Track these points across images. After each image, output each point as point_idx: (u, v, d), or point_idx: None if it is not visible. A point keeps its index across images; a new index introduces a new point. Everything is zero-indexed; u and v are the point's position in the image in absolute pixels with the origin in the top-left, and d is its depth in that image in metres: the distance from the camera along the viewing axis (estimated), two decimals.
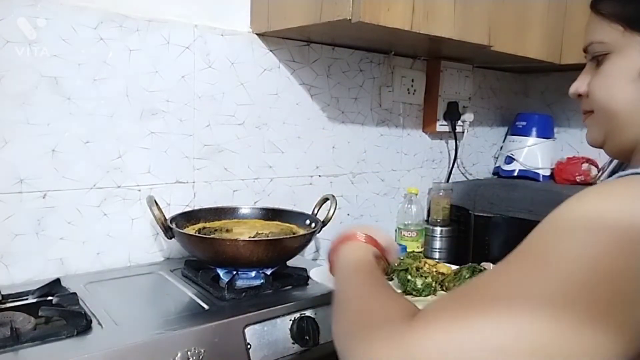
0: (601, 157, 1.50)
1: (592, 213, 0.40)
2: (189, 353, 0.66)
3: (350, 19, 0.86)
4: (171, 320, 0.72)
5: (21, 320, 0.69)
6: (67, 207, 0.90)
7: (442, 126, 1.50)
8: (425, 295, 0.83)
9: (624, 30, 0.53)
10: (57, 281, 0.81)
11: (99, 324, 0.70)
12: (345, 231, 0.66)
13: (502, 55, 1.24)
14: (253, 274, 0.89)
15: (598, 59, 0.57)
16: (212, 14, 1.04)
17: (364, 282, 0.54)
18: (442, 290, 0.86)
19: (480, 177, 1.71)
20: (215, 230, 0.95)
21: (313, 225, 0.98)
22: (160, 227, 0.89)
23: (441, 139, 1.57)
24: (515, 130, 1.66)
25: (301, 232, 0.98)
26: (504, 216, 1.38)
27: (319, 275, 0.80)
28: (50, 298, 0.76)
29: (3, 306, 0.74)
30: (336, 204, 1.05)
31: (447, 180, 1.58)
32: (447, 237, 1.43)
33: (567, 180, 1.53)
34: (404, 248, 1.31)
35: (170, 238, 0.90)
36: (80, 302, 0.75)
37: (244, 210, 1.06)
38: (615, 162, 0.64)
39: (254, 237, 0.89)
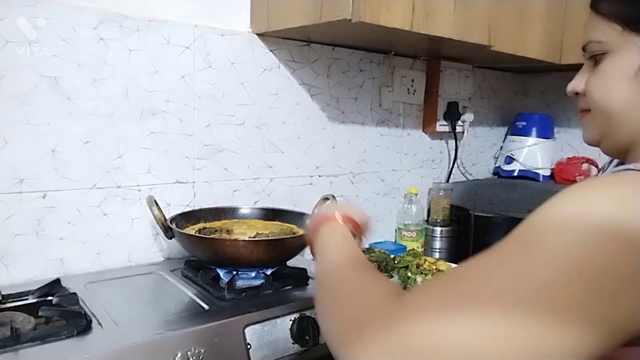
0: (601, 157, 1.49)
1: (576, 212, 0.40)
2: (189, 353, 0.66)
3: (350, 19, 0.86)
4: (171, 320, 0.72)
5: (21, 320, 0.69)
6: (67, 207, 0.90)
7: (442, 126, 1.50)
8: None
9: (622, 30, 0.54)
10: (57, 281, 0.81)
11: (99, 324, 0.70)
12: (322, 212, 0.67)
13: (502, 55, 1.24)
14: (253, 274, 0.88)
15: (596, 58, 0.57)
16: (212, 14, 1.04)
17: (346, 264, 0.55)
18: None
19: (480, 177, 1.71)
20: (216, 230, 0.94)
21: None
22: (160, 227, 0.89)
23: (441, 139, 1.57)
24: (515, 130, 1.66)
25: (301, 232, 0.97)
26: (504, 216, 1.38)
27: None
28: (50, 298, 0.76)
29: (3, 306, 0.74)
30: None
31: (447, 180, 1.58)
32: (447, 237, 1.43)
33: (567, 180, 1.53)
34: (404, 248, 1.31)
35: (170, 238, 0.90)
36: (80, 302, 0.75)
37: (244, 210, 1.06)
38: (615, 161, 0.64)
39: (254, 237, 0.89)
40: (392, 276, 0.87)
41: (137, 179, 0.97)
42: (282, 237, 0.91)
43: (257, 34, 1.09)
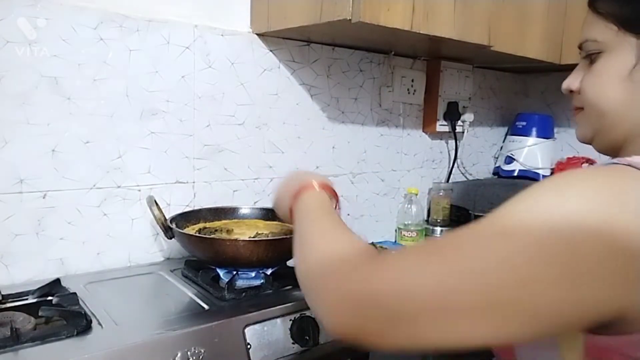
0: (601, 157, 1.49)
1: (541, 214, 0.41)
2: (189, 353, 0.66)
3: (350, 19, 0.86)
4: (171, 320, 0.72)
5: (21, 320, 0.69)
6: (67, 207, 0.90)
7: (442, 126, 1.50)
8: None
9: (618, 30, 0.54)
10: (57, 281, 0.81)
11: (99, 324, 0.70)
12: (300, 182, 0.68)
13: (502, 55, 1.24)
14: (253, 274, 0.89)
15: (591, 57, 0.57)
16: (212, 14, 1.04)
17: (328, 223, 0.58)
18: None
19: (480, 177, 1.71)
20: (216, 230, 0.94)
21: None
22: (160, 227, 0.89)
23: (441, 139, 1.57)
24: (515, 130, 1.66)
25: None
26: None
27: None
28: (50, 298, 0.76)
29: (3, 306, 0.74)
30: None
31: (447, 180, 1.58)
32: None
33: None
34: None
35: (170, 238, 0.90)
36: (80, 302, 0.76)
37: (244, 210, 1.06)
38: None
39: (254, 237, 0.89)
40: None
41: (137, 179, 0.97)
42: (282, 237, 0.91)
43: (257, 34, 1.09)
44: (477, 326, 0.40)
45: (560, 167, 1.58)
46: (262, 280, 0.86)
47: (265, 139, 1.15)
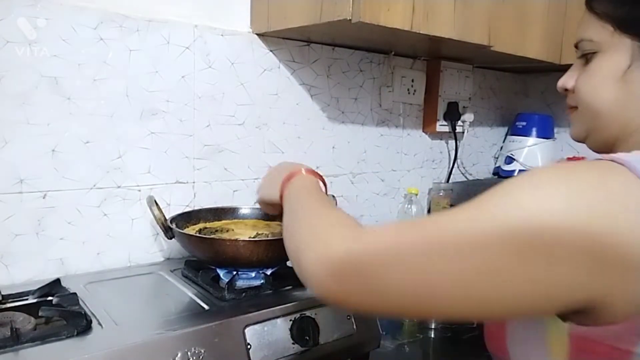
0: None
1: (517, 206, 0.43)
2: (189, 353, 0.66)
3: (350, 19, 0.86)
4: (171, 320, 0.72)
5: (21, 321, 0.69)
6: (67, 207, 0.90)
7: (442, 126, 1.50)
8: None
9: (614, 31, 0.55)
10: (57, 281, 0.81)
11: (99, 324, 0.70)
12: (289, 170, 0.72)
13: (502, 55, 1.24)
14: (253, 274, 0.88)
15: (587, 57, 0.58)
16: (212, 14, 1.04)
17: (317, 203, 0.61)
18: None
19: (480, 177, 1.71)
20: (216, 230, 0.95)
21: None
22: (160, 227, 0.89)
23: (441, 139, 1.57)
24: (515, 130, 1.67)
25: None
26: None
27: None
28: (50, 298, 0.76)
29: (3, 306, 0.74)
30: (336, 204, 1.05)
31: (447, 181, 1.58)
32: None
33: None
34: None
35: (170, 238, 0.90)
36: (80, 302, 0.75)
37: (244, 210, 1.06)
38: None
39: (254, 237, 0.89)
40: None
41: (137, 179, 0.97)
42: (282, 237, 0.91)
43: (257, 34, 1.09)
44: (446, 302, 0.43)
45: None
46: (262, 281, 0.86)
47: (265, 139, 1.15)
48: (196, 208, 1.03)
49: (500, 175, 1.67)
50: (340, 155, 1.30)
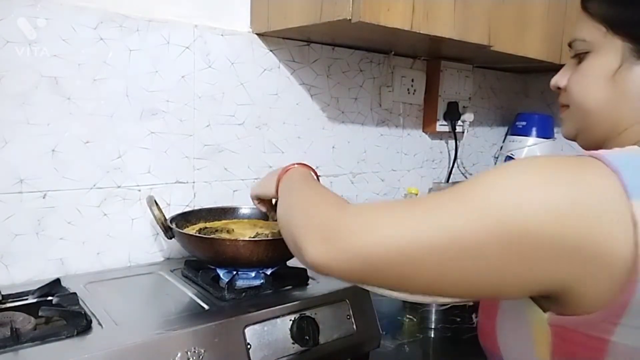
0: None
1: (498, 194, 0.45)
2: (189, 353, 0.66)
3: (350, 19, 0.86)
4: (171, 320, 0.72)
5: (21, 321, 0.69)
6: (67, 207, 0.90)
7: (442, 126, 1.50)
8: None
9: (606, 32, 0.56)
10: (57, 281, 0.81)
11: (99, 324, 0.70)
12: (283, 167, 0.77)
13: (502, 55, 1.24)
14: (253, 274, 0.88)
15: (580, 56, 0.59)
16: (212, 14, 1.04)
17: (311, 190, 0.64)
18: None
19: None
20: (216, 230, 0.94)
21: None
22: (160, 227, 0.89)
23: (441, 139, 1.57)
24: (515, 130, 1.66)
25: None
26: None
27: None
28: (50, 298, 0.76)
29: (3, 306, 0.74)
30: None
31: (447, 180, 1.58)
32: None
33: None
34: None
35: (170, 238, 0.90)
36: (80, 302, 0.75)
37: (244, 210, 1.06)
38: None
39: (254, 237, 0.89)
40: None
41: (137, 179, 0.97)
42: (282, 237, 0.91)
43: (257, 34, 1.09)
44: (428, 277, 0.46)
45: None
46: (262, 280, 0.86)
47: (265, 139, 1.15)
48: (196, 208, 1.03)
49: None
50: (340, 155, 1.30)
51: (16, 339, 0.62)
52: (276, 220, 0.92)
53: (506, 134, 1.77)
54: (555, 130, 1.68)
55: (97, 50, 0.90)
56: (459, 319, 1.06)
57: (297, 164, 0.77)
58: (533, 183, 0.44)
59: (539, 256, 0.43)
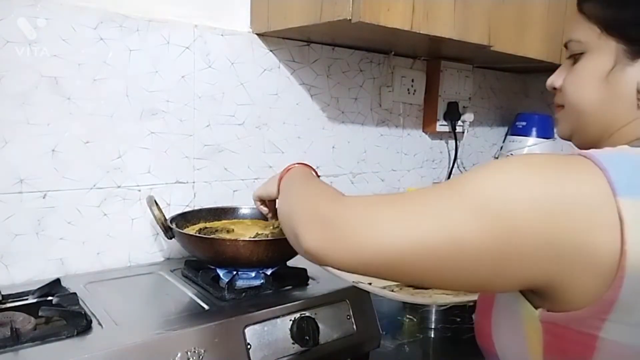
0: None
1: (489, 190, 0.46)
2: (189, 353, 0.66)
3: (350, 19, 0.86)
4: (171, 320, 0.72)
5: (21, 321, 0.69)
6: (67, 207, 0.90)
7: (442, 126, 1.50)
8: (426, 288, 0.84)
9: (601, 33, 0.56)
10: (57, 281, 0.81)
11: (99, 324, 0.70)
12: (284, 169, 0.78)
13: (502, 55, 1.24)
14: (253, 274, 0.88)
15: (575, 57, 0.60)
16: (212, 14, 1.04)
17: (310, 185, 0.66)
18: None
19: None
20: (216, 230, 0.94)
21: None
22: (160, 227, 0.89)
23: (441, 139, 1.57)
24: (515, 130, 1.66)
25: None
26: None
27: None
28: (50, 298, 0.76)
29: (3, 306, 0.74)
30: None
31: None
32: None
33: None
34: None
35: (170, 238, 0.90)
36: (80, 302, 0.75)
37: (244, 210, 1.06)
38: None
39: (254, 237, 0.89)
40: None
41: (137, 179, 0.97)
42: (282, 237, 0.91)
43: (257, 34, 1.09)
44: (420, 272, 0.47)
45: None
46: (262, 281, 0.86)
47: (265, 139, 1.15)
48: (196, 208, 1.03)
49: None
50: (340, 155, 1.30)
51: (16, 339, 0.62)
52: (276, 222, 0.92)
53: (506, 134, 1.77)
54: (555, 130, 1.68)
55: (97, 50, 0.90)
56: (459, 319, 1.06)
57: (298, 163, 0.78)
58: (522, 181, 0.45)
59: (526, 252, 0.44)
